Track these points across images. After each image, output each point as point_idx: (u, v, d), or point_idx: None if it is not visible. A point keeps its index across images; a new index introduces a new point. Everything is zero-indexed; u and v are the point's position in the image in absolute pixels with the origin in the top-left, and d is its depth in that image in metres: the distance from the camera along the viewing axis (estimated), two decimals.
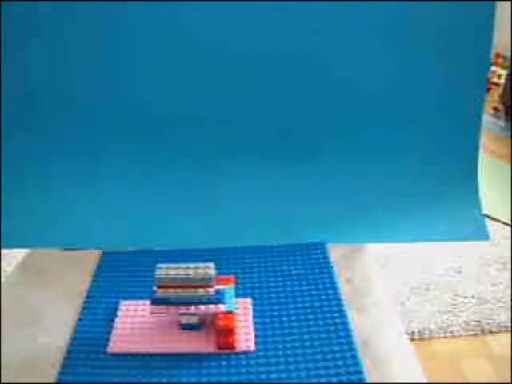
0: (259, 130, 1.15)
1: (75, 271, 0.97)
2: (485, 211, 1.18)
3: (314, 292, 0.89)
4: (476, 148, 1.17)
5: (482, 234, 1.13)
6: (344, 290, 0.90)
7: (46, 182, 1.12)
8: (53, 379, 0.74)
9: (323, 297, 0.88)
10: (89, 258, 1.00)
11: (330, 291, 0.89)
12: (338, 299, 0.87)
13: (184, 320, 0.80)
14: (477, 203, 1.16)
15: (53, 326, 0.84)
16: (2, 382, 0.74)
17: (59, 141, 1.13)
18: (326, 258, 0.98)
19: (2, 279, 0.97)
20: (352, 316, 0.84)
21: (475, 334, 1.40)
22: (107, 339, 0.80)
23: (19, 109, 1.11)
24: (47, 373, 0.75)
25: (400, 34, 1.10)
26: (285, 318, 0.84)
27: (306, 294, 0.89)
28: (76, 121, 1.13)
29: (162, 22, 1.07)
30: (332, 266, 0.96)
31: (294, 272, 0.94)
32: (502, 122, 2.66)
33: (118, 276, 0.93)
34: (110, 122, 1.13)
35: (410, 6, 1.07)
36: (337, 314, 0.84)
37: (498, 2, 1.12)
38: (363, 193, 1.14)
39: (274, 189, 1.13)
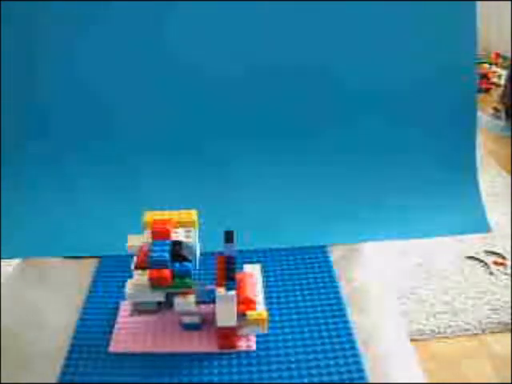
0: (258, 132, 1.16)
1: (76, 271, 0.97)
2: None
3: (314, 292, 0.89)
4: (473, 145, 1.18)
5: (483, 227, 1.14)
6: (344, 290, 0.91)
7: (45, 194, 1.12)
8: (54, 379, 0.74)
9: (323, 296, 0.88)
10: (89, 258, 1.00)
11: (330, 290, 0.89)
12: (339, 298, 0.88)
13: (185, 319, 0.80)
14: (478, 196, 1.17)
15: (53, 325, 0.84)
16: (2, 381, 0.74)
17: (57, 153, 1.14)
18: (326, 257, 0.98)
19: (2, 279, 0.96)
20: (352, 316, 0.84)
21: (475, 334, 1.40)
22: (108, 339, 0.80)
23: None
24: (48, 373, 0.75)
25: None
26: (285, 317, 0.84)
27: (306, 293, 0.89)
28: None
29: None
30: (332, 266, 0.96)
31: (294, 272, 0.95)
32: (502, 122, 2.66)
33: (119, 275, 0.93)
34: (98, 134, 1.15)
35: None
36: (337, 313, 0.84)
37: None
38: (363, 191, 1.15)
39: (272, 192, 1.14)
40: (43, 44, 1.11)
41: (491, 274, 1.57)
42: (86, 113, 1.14)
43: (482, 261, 1.62)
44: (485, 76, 3.04)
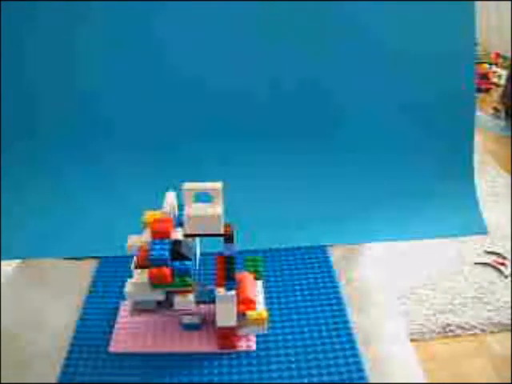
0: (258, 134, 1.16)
1: (76, 271, 0.97)
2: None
3: (314, 292, 0.89)
4: (471, 148, 1.19)
5: (482, 229, 1.14)
6: (344, 290, 0.91)
7: (46, 194, 1.12)
8: (54, 379, 0.74)
9: (323, 296, 0.88)
10: (89, 258, 1.00)
11: (330, 290, 0.90)
12: (339, 298, 0.88)
13: (185, 320, 0.80)
14: (475, 199, 1.17)
15: (53, 325, 0.84)
16: (2, 382, 0.74)
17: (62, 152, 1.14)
18: (326, 257, 0.98)
19: (2, 279, 0.96)
20: (352, 316, 0.84)
21: (475, 334, 1.40)
22: (108, 339, 0.80)
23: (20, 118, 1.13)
24: (48, 373, 0.75)
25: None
26: (285, 317, 0.84)
27: (306, 293, 0.89)
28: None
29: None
30: (332, 266, 0.96)
31: (294, 272, 0.95)
32: (502, 122, 2.65)
33: (119, 275, 0.93)
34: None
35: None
36: (337, 313, 0.84)
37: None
38: (367, 193, 1.15)
39: (272, 192, 1.13)
40: (31, 45, 1.10)
41: (506, 277, 1.57)
42: (76, 112, 1.14)
43: (493, 266, 1.62)
44: (485, 76, 3.04)
